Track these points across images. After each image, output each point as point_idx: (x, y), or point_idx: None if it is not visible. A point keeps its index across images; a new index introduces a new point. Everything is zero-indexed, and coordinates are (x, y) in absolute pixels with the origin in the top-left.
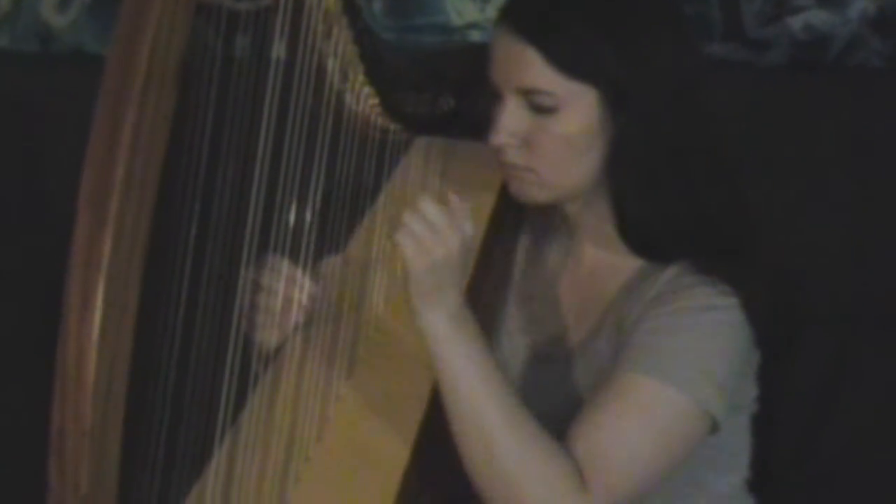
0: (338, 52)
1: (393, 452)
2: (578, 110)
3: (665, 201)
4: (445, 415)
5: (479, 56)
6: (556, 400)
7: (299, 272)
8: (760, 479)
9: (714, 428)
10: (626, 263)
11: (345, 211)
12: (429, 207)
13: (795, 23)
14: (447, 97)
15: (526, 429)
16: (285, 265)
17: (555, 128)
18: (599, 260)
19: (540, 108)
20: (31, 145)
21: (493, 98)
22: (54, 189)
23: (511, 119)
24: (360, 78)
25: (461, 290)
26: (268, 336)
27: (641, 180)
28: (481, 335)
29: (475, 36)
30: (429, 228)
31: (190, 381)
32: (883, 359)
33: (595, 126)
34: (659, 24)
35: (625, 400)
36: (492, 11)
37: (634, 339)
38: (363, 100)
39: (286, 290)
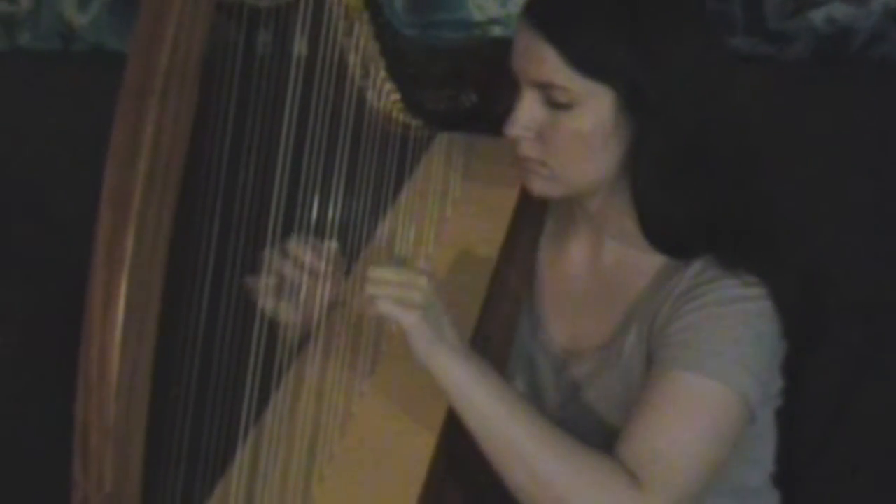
0: (359, 48)
1: (417, 447)
2: (594, 108)
3: (686, 199)
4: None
5: (500, 52)
6: (586, 397)
7: (314, 256)
8: (785, 472)
9: (753, 417)
10: (650, 259)
11: (367, 207)
12: (383, 272)
13: (817, 16)
14: (469, 93)
15: (563, 444)
16: (308, 252)
17: (569, 123)
18: (622, 256)
19: (555, 103)
20: (53, 143)
21: (514, 92)
22: (77, 187)
23: (527, 112)
24: (382, 74)
25: (455, 326)
26: (291, 316)
27: (662, 178)
28: (489, 365)
29: (496, 32)
30: (398, 286)
31: (213, 377)
32: None
33: (610, 124)
34: (681, 23)
35: (670, 398)
36: (513, 7)
37: (669, 338)
38: (384, 96)
39: (313, 263)
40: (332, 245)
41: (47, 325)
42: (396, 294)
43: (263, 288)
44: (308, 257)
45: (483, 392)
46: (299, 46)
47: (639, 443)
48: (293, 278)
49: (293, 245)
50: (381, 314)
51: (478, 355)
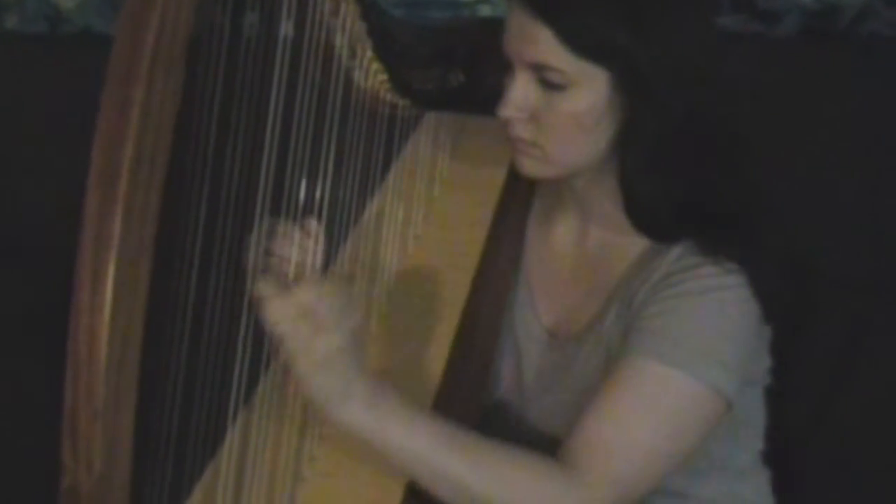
0: (346, 28)
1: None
2: (588, 89)
3: (671, 181)
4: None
5: (488, 31)
6: (568, 379)
7: (310, 238)
8: (775, 451)
9: (728, 407)
10: (634, 242)
11: (355, 187)
12: (280, 318)
13: None
14: (456, 72)
15: (491, 459)
16: (296, 231)
17: (563, 105)
18: (607, 238)
19: (549, 84)
20: (40, 126)
21: (504, 71)
22: (64, 169)
23: (520, 93)
24: (369, 54)
25: (364, 370)
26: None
27: (649, 160)
28: (403, 401)
29: (485, 11)
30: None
31: (202, 358)
32: None
33: (604, 105)
34: (676, 5)
35: (629, 386)
36: None
37: (639, 323)
38: (372, 76)
39: (298, 255)
40: (313, 222)
41: (35, 307)
42: (297, 346)
43: (251, 272)
44: (297, 234)
45: (400, 435)
46: (286, 28)
47: (590, 432)
48: (283, 253)
49: (276, 243)
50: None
51: (393, 393)
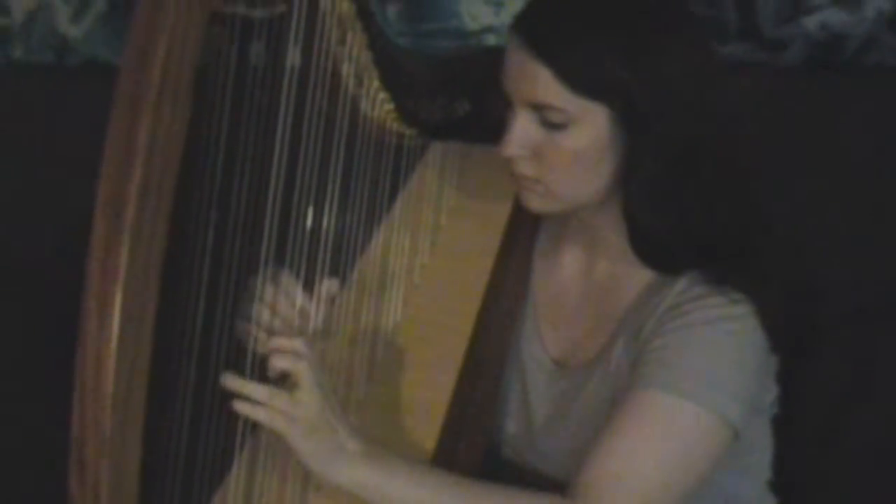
0: (352, 57)
1: (416, 453)
2: (589, 127)
3: (676, 213)
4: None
5: (494, 60)
6: (575, 409)
7: (305, 297)
8: (782, 480)
9: (735, 436)
10: (640, 273)
11: (361, 217)
12: (252, 390)
13: (811, 22)
14: (462, 102)
15: (496, 500)
16: (295, 286)
17: (565, 143)
18: (613, 269)
19: (550, 123)
20: (46, 156)
21: (507, 104)
22: (71, 198)
23: (521, 132)
24: (375, 83)
25: (348, 425)
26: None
27: (652, 193)
28: (391, 453)
29: (490, 40)
30: (274, 409)
31: (209, 387)
32: None
33: (606, 141)
34: (674, 38)
35: (640, 418)
36: (507, 16)
37: (647, 356)
38: (378, 105)
39: (286, 313)
40: (333, 284)
41: (43, 336)
42: (275, 417)
43: (255, 329)
44: (300, 300)
45: (398, 486)
46: (293, 57)
47: (600, 465)
48: (285, 314)
49: (286, 280)
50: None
51: (378, 448)
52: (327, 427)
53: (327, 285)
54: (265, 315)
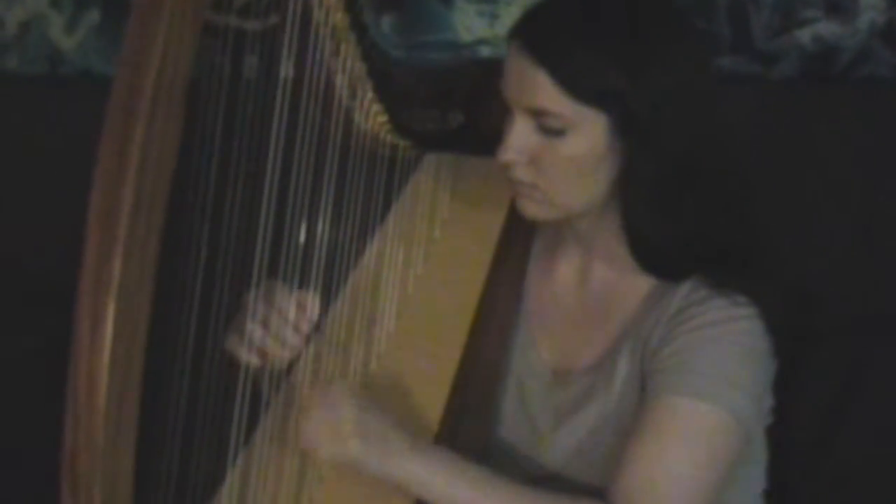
0: (346, 69)
1: None
2: (587, 133)
3: (676, 221)
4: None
5: (487, 71)
6: (581, 416)
7: (293, 310)
8: (777, 489)
9: (747, 434)
10: (639, 280)
11: (355, 229)
12: (303, 423)
13: (804, 35)
14: (456, 113)
15: (541, 500)
16: (288, 299)
17: (562, 149)
18: (611, 276)
19: (548, 129)
20: (40, 167)
21: (503, 112)
22: (63, 210)
23: (519, 137)
24: (369, 95)
25: (393, 421)
26: (276, 351)
27: (652, 201)
28: (440, 449)
29: (484, 52)
30: (323, 427)
31: (202, 400)
32: None
33: (603, 149)
34: (672, 47)
35: (664, 425)
36: (501, 27)
37: (663, 362)
38: (372, 117)
39: (275, 326)
40: (314, 298)
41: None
42: (325, 438)
43: (247, 344)
44: (292, 313)
45: (443, 480)
46: (286, 68)
47: (634, 473)
48: (278, 327)
49: (279, 295)
50: (325, 460)
51: (426, 443)
52: (374, 424)
53: (309, 308)
54: (258, 332)
